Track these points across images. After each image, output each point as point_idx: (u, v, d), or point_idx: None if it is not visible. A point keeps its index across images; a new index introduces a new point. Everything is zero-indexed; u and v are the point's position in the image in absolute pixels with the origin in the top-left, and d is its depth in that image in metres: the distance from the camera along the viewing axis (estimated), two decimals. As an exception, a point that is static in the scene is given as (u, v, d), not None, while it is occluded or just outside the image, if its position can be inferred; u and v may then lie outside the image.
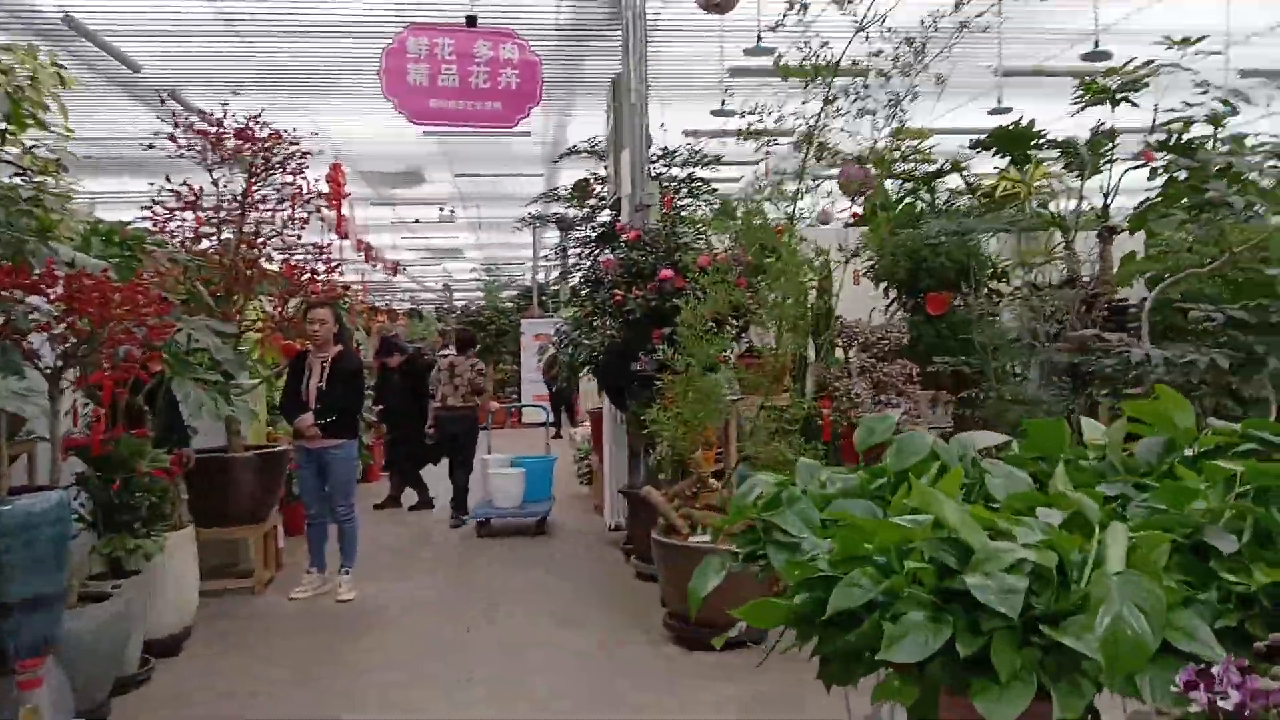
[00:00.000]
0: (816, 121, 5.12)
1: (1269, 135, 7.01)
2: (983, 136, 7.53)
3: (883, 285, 5.94)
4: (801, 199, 5.51)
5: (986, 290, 6.07)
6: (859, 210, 7.52)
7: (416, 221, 18.54)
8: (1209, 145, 6.97)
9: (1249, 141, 6.47)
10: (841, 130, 4.91)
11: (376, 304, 21.13)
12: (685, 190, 7.46)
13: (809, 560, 1.87)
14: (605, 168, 8.04)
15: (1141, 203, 7.57)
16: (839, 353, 5.04)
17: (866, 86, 4.92)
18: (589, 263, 7.94)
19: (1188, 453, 2.13)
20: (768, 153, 6.42)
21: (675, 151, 7.86)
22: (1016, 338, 5.74)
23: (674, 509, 4.84)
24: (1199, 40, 6.28)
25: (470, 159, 13.23)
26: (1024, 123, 7.53)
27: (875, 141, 6.04)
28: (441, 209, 17.20)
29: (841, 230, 6.41)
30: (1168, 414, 2.19)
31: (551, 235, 15.09)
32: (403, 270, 23.86)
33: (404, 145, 11.69)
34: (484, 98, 7.43)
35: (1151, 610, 1.34)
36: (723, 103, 6.95)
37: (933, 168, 7.32)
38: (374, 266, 18.61)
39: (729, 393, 4.89)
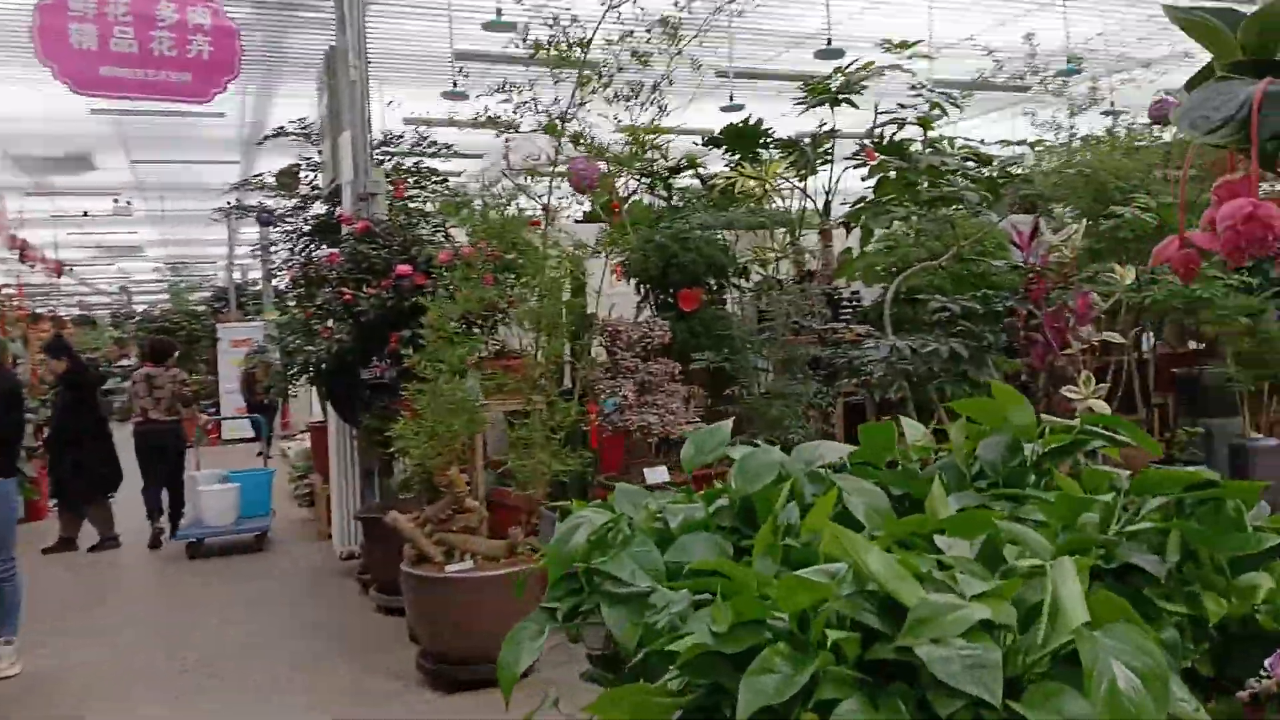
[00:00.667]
0: (569, 107, 4.77)
1: (964, 138, 7.60)
2: (715, 134, 7.62)
3: (634, 282, 5.71)
4: (552, 191, 5.15)
5: (732, 286, 6.03)
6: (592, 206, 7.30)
7: (85, 215, 16.19)
8: (918, 146, 7.45)
9: (958, 143, 6.95)
10: (600, 116, 4.59)
11: (38, 311, 18.28)
12: (413, 181, 6.83)
13: (668, 625, 1.48)
14: (320, 152, 7.21)
15: (858, 200, 7.95)
16: (603, 353, 4.73)
17: (620, 70, 4.63)
18: (303, 258, 7.09)
19: (1028, 451, 1.96)
20: (508, 141, 5.99)
21: (400, 137, 7.20)
22: (760, 332, 5.72)
23: (426, 534, 4.29)
24: (915, 44, 6.64)
25: (151, 142, 11.62)
26: (752, 121, 7.68)
27: (624, 126, 5.81)
28: (116, 200, 15.12)
29: (603, 227, 6.11)
30: (1002, 411, 2.01)
31: (251, 229, 13.67)
32: (68, 271, 20.84)
33: (68, 124, 10.01)
34: (169, 67, 6.38)
35: (1149, 675, 1.09)
36: (454, 84, 6.41)
37: (668, 164, 7.23)
38: (31, 267, 16.02)
39: (481, 400, 4.42)
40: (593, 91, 4.68)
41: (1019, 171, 6.77)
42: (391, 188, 6.36)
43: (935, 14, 7.72)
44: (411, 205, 6.32)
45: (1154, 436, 6.77)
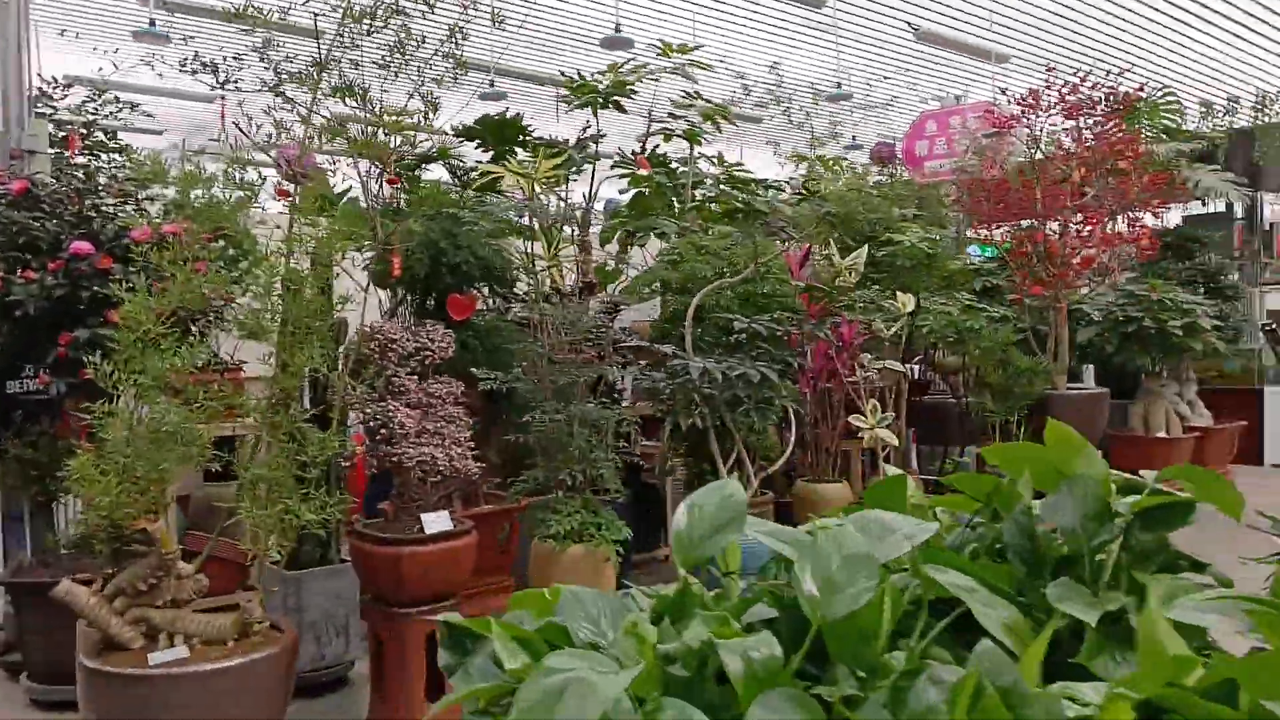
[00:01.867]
0: (319, 65, 3.78)
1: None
2: (470, 126, 6.78)
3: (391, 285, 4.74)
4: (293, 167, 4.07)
5: (500, 296, 5.25)
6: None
7: None
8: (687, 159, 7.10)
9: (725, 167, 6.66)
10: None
11: None
12: (99, 141, 5.37)
13: None
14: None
15: (615, 214, 7.46)
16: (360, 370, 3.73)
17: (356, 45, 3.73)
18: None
19: (1119, 513, 1.41)
20: (223, 98, 4.80)
21: (70, 86, 5.66)
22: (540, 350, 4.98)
23: (114, 611, 3.09)
24: (691, 49, 6.24)
25: None
26: (510, 115, 6.94)
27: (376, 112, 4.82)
28: None
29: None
30: (1062, 461, 1.46)
31: None
32: None
33: None
34: None
35: None
36: (152, 22, 5.10)
37: (416, 154, 6.28)
38: None
39: (200, 428, 3.29)
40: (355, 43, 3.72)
41: (776, 200, 6.60)
42: (60, 149, 4.91)
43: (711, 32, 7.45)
44: (97, 165, 4.90)
45: (916, 465, 6.84)
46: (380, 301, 5.17)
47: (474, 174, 6.38)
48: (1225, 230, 10.87)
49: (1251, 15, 9.05)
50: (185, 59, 4.74)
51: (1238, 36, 9.64)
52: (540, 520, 3.93)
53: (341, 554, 4.22)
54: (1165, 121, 8.23)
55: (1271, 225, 13.08)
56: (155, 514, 3.19)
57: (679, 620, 1.16)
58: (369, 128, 4.39)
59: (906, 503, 1.54)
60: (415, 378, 3.61)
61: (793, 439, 4.90)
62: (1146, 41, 9.75)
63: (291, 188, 3.52)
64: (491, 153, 6.95)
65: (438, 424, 3.56)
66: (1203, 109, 10.16)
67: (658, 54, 6.38)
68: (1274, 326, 10.51)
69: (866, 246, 5.35)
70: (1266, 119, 9.85)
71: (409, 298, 4.86)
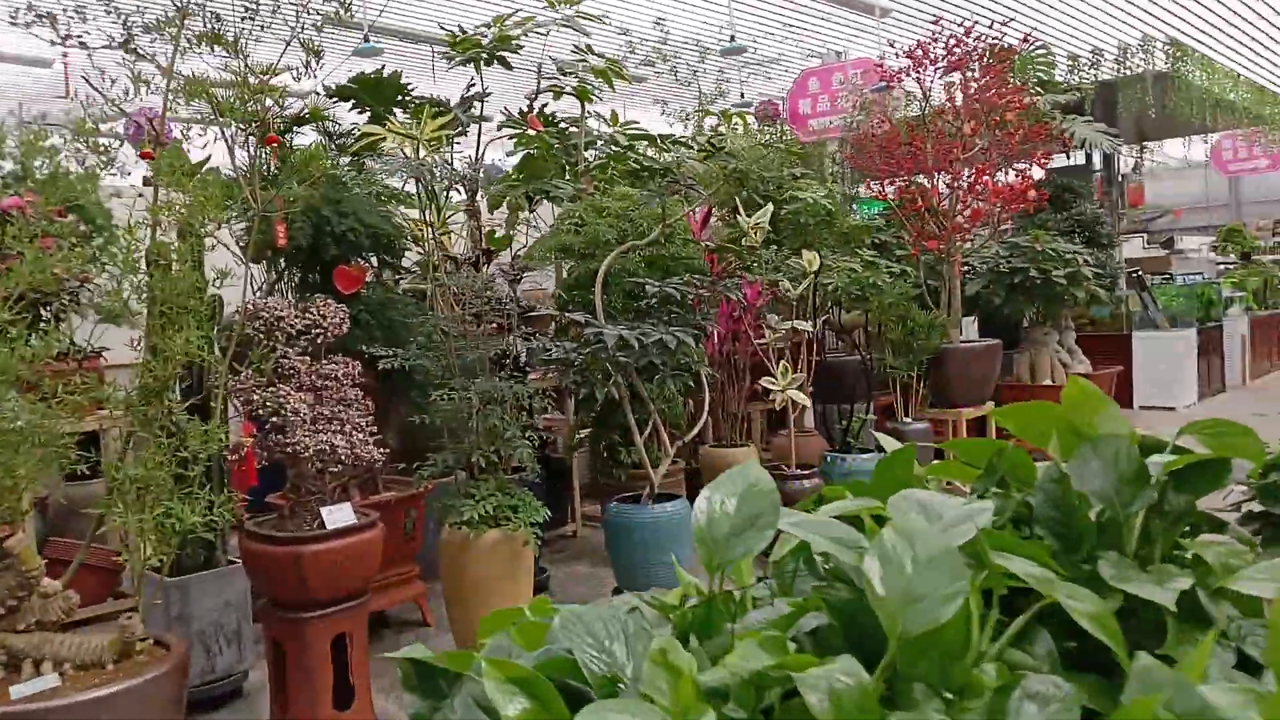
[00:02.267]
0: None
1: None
2: (344, 85, 6.32)
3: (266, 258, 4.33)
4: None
5: (389, 266, 4.90)
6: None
7: None
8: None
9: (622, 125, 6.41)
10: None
11: None
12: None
13: None
14: None
15: (504, 177, 7.14)
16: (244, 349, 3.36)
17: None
18: None
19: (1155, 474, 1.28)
20: (65, 55, 4.28)
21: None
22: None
23: (-34, 642, 2.69)
24: (579, 1, 5.94)
25: None
26: (386, 73, 6.50)
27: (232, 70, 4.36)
28: None
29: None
30: (1083, 421, 1.32)
31: None
32: None
33: None
34: None
35: None
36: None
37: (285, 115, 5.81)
38: None
39: (58, 427, 2.89)
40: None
41: (684, 157, 6.41)
42: None
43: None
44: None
45: (812, 424, 6.83)
46: (253, 278, 4.75)
47: (350, 138, 5.95)
48: (1086, 182, 11.29)
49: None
50: (16, 10, 4.20)
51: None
52: (450, 507, 3.67)
53: (229, 555, 3.86)
54: (1038, 74, 8.41)
55: (1124, 176, 13.72)
56: (11, 525, 2.79)
57: (708, 638, 0.96)
58: (240, 84, 3.96)
59: (911, 472, 1.40)
60: (306, 358, 3.28)
61: (706, 404, 4.76)
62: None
63: (155, 149, 3.11)
64: (368, 113, 6.52)
65: (334, 408, 3.25)
66: (1069, 62, 10.47)
67: (544, 6, 6.05)
68: (1139, 274, 11.03)
69: (771, 205, 5.22)
70: (1128, 71, 10.22)
71: (288, 272, 4.47)
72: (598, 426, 5.16)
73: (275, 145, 3.83)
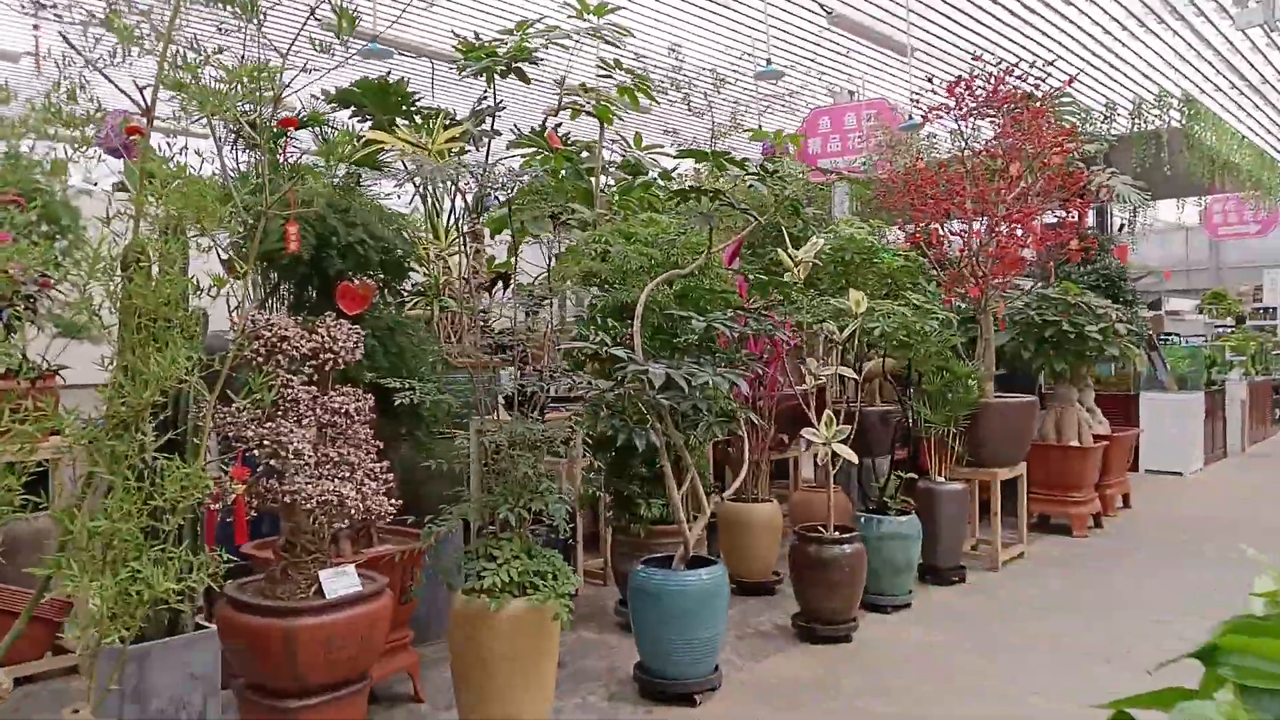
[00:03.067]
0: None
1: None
2: (346, 89, 5.80)
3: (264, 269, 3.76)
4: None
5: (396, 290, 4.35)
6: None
7: None
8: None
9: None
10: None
11: None
12: None
13: None
14: None
15: (505, 202, 6.63)
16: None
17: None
18: None
19: None
20: (36, 27, 3.73)
21: None
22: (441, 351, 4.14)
23: None
24: (609, 10, 5.49)
25: None
26: (392, 79, 5.99)
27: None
28: None
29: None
30: None
31: None
32: None
33: None
34: None
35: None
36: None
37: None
38: None
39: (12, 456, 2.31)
40: None
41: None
42: None
43: None
44: None
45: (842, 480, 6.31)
46: (235, 293, 4.17)
47: (356, 141, 5.42)
48: (1109, 236, 11.01)
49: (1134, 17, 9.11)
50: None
51: (1120, 42, 9.74)
52: (467, 569, 3.10)
53: (197, 618, 3.25)
54: (1068, 121, 8.12)
55: (1112, 235, 13.51)
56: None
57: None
58: (237, 75, 3.41)
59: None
60: (312, 388, 2.72)
61: (747, 455, 4.24)
62: (1035, 37, 9.71)
63: (144, 124, 2.56)
64: (370, 121, 6.01)
65: (342, 449, 2.69)
66: (1081, 114, 10.23)
67: (570, 15, 5.59)
68: (1150, 333, 10.72)
69: (820, 239, 4.75)
70: (1143, 125, 10.00)
71: (282, 286, 3.90)
72: (612, 475, 4.62)
73: (295, 127, 3.27)
